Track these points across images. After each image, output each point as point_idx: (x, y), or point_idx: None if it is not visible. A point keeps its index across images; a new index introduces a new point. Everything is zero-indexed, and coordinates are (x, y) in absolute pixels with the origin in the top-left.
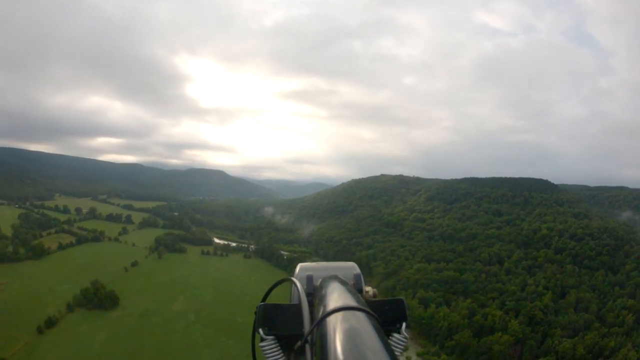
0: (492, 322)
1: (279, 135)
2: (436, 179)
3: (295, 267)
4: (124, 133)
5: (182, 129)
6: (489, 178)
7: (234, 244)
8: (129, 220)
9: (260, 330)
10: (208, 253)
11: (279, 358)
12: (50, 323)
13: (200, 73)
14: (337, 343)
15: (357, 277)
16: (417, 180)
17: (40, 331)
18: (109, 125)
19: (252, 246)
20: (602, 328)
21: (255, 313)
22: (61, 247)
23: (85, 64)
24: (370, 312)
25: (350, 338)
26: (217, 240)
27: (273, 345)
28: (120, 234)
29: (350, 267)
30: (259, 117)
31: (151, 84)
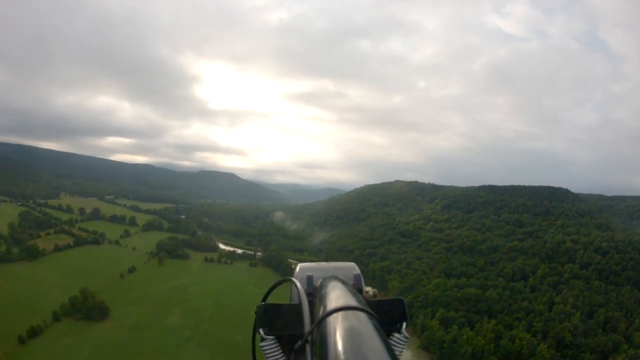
0: (520, 346)
1: (290, 139)
2: (452, 187)
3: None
4: (134, 133)
5: (193, 130)
6: (508, 186)
7: (240, 251)
8: (132, 222)
9: (261, 330)
10: (212, 260)
11: (279, 358)
12: (34, 333)
13: (207, 73)
14: (338, 343)
15: (357, 277)
16: (433, 187)
17: (21, 341)
18: (118, 125)
19: (259, 254)
20: (631, 349)
21: (256, 313)
22: (57, 248)
23: (91, 63)
24: (371, 312)
25: (351, 338)
26: (222, 247)
27: (273, 346)
28: (121, 236)
29: (350, 267)
30: (269, 120)
31: (158, 84)
